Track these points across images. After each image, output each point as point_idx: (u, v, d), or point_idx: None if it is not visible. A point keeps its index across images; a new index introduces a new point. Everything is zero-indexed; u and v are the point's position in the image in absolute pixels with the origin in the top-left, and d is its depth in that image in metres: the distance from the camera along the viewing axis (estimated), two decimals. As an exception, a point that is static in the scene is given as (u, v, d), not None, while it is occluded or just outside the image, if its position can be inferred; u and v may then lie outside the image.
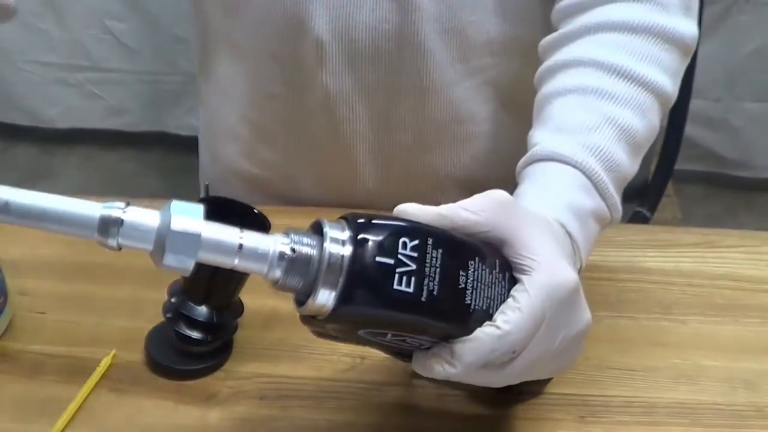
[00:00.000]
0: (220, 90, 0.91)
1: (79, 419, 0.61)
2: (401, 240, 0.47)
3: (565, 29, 0.71)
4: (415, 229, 0.48)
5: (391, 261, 0.46)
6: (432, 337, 0.49)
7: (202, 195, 0.87)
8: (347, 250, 0.46)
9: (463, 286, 0.48)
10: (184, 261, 0.45)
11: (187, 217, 0.45)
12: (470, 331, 0.49)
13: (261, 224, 0.63)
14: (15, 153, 2.33)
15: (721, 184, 2.21)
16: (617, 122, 0.64)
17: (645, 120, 0.66)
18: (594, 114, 0.64)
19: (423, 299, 0.47)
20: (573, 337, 0.53)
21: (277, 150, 0.90)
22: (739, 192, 2.20)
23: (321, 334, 0.51)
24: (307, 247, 0.47)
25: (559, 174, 0.62)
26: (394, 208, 0.51)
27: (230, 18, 0.85)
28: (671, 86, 0.68)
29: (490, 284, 0.50)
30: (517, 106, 0.84)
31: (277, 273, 0.47)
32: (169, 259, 0.45)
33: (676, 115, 1.50)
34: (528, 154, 0.64)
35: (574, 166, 0.61)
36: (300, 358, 0.66)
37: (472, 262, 0.49)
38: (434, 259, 0.47)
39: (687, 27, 0.69)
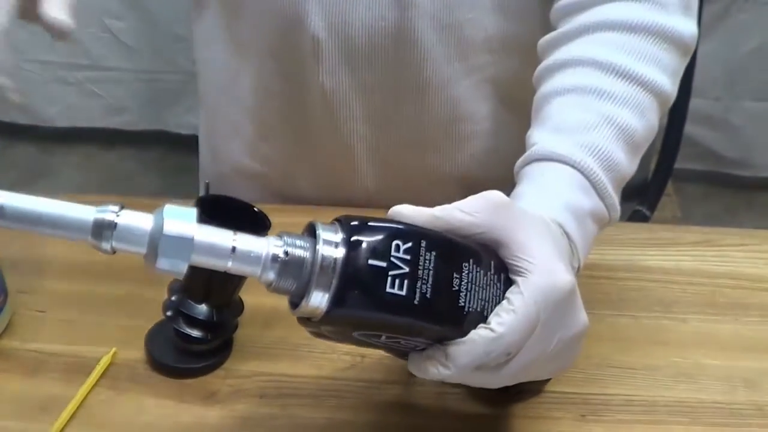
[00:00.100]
0: (221, 87, 0.91)
1: (79, 417, 0.61)
2: (394, 243, 0.47)
3: (563, 28, 0.71)
4: (408, 232, 0.48)
5: (384, 264, 0.46)
6: (426, 339, 0.49)
7: (202, 193, 0.87)
8: (340, 253, 0.46)
9: (456, 288, 0.48)
10: (177, 264, 0.45)
11: (180, 220, 0.45)
12: (464, 334, 0.49)
13: (261, 222, 0.63)
14: (14, 152, 2.33)
15: (720, 183, 2.21)
16: (616, 122, 0.64)
17: (644, 120, 0.65)
18: (592, 113, 0.64)
19: (416, 302, 0.47)
20: (569, 340, 0.53)
21: (277, 147, 0.90)
22: (738, 191, 2.21)
23: (318, 335, 0.51)
24: (300, 249, 0.47)
25: (557, 174, 0.62)
26: (392, 207, 0.51)
27: (230, 15, 0.85)
28: (670, 86, 0.68)
29: (484, 286, 0.49)
30: (517, 104, 0.84)
31: (271, 275, 0.47)
32: (162, 263, 0.45)
33: (676, 114, 1.51)
34: (526, 154, 0.64)
35: (573, 165, 0.61)
36: (300, 357, 0.66)
37: (467, 264, 0.49)
38: (427, 262, 0.47)
39: (686, 26, 0.69)
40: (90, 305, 0.71)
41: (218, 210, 0.61)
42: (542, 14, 0.78)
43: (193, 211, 0.46)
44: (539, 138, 0.64)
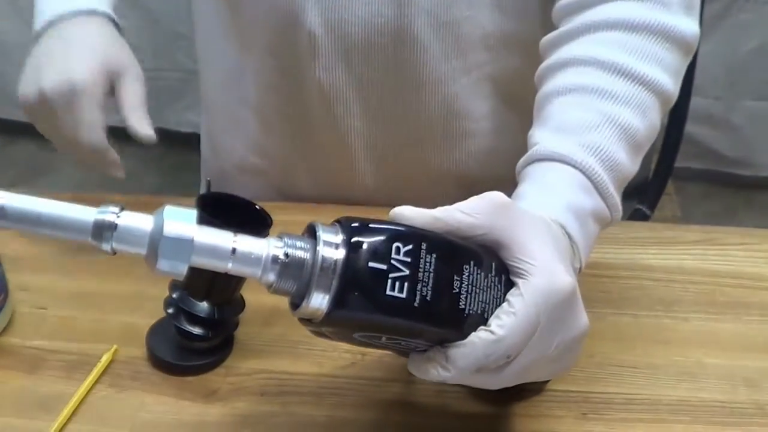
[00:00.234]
0: (224, 83, 0.91)
1: (80, 414, 0.61)
2: (395, 245, 0.47)
3: (565, 27, 0.71)
4: (409, 234, 0.48)
5: (384, 266, 0.46)
6: (427, 340, 0.49)
7: (204, 191, 0.87)
8: (340, 254, 0.46)
9: (457, 290, 0.48)
10: (177, 266, 0.45)
11: (180, 222, 0.45)
12: (465, 336, 0.48)
13: (262, 220, 0.63)
14: (14, 149, 2.33)
15: (721, 182, 2.21)
16: (617, 121, 0.64)
17: (645, 119, 0.65)
18: (594, 113, 0.64)
19: (416, 304, 0.47)
20: (570, 341, 0.53)
21: (278, 143, 0.90)
22: (739, 190, 2.21)
23: (319, 334, 0.51)
24: (300, 250, 0.47)
25: (559, 174, 0.62)
26: (392, 205, 0.51)
27: (230, 11, 0.85)
28: (672, 85, 0.68)
29: (485, 288, 0.49)
30: (518, 103, 0.84)
31: (271, 276, 0.47)
32: (162, 264, 0.45)
33: (677, 113, 1.50)
34: (527, 154, 0.64)
35: (574, 165, 0.61)
36: (300, 355, 0.66)
37: (467, 267, 0.49)
38: (428, 264, 0.47)
39: (688, 25, 0.69)
40: (91, 302, 0.71)
41: (220, 207, 0.61)
42: (542, 12, 0.78)
43: (193, 213, 0.46)
44: (541, 138, 0.64)
